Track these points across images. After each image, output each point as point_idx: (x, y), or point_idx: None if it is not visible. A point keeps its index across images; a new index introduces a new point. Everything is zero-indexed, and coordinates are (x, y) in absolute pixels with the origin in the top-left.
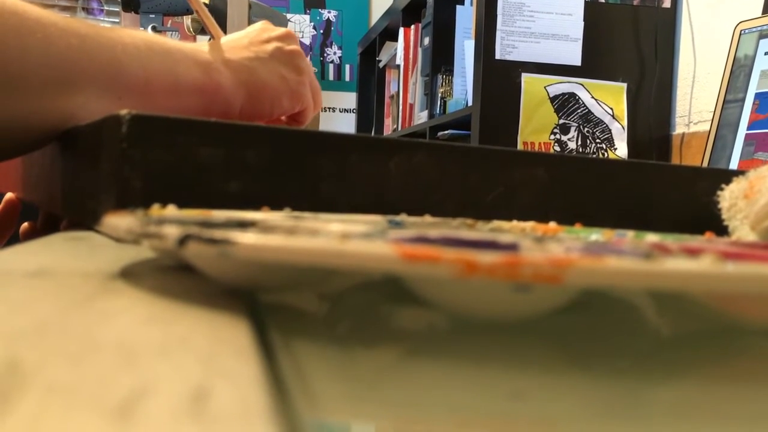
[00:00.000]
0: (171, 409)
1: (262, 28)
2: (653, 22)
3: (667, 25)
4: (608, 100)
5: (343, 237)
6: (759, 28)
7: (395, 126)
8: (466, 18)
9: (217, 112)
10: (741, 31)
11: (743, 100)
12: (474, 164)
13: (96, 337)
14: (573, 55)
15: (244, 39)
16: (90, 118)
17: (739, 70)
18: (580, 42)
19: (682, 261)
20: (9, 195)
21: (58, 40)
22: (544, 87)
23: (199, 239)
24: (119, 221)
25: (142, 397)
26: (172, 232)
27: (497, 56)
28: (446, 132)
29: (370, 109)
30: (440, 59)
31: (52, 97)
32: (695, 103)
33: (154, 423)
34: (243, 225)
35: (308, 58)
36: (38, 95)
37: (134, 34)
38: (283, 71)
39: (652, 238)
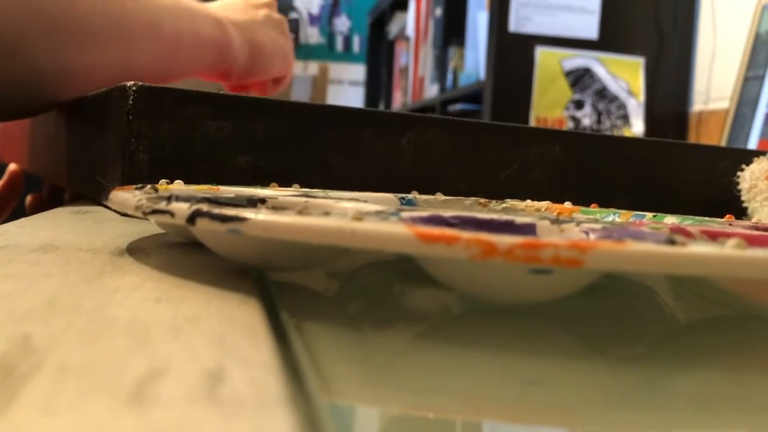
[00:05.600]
0: (186, 391)
1: None
2: None
3: None
4: (625, 75)
5: (356, 216)
6: None
7: (405, 99)
8: None
9: (224, 68)
10: (763, 6)
11: (763, 77)
12: (488, 141)
13: (107, 315)
14: (589, 28)
15: (240, 2)
16: (135, 73)
17: (760, 47)
18: (597, 14)
19: (705, 246)
20: (12, 166)
21: (118, 2)
22: (559, 61)
23: (210, 216)
24: (127, 197)
25: (156, 379)
26: (182, 208)
27: (511, 29)
28: (457, 106)
29: (379, 81)
30: (452, 31)
31: (112, 52)
32: (714, 79)
33: (170, 406)
34: (252, 202)
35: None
36: (101, 50)
37: None
38: (274, 35)
39: (671, 220)
